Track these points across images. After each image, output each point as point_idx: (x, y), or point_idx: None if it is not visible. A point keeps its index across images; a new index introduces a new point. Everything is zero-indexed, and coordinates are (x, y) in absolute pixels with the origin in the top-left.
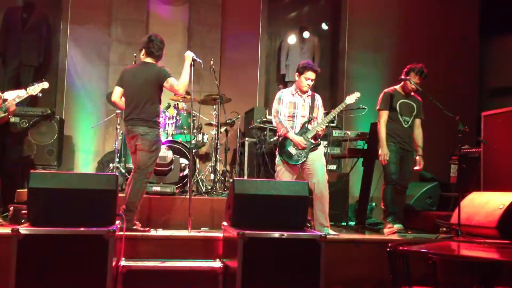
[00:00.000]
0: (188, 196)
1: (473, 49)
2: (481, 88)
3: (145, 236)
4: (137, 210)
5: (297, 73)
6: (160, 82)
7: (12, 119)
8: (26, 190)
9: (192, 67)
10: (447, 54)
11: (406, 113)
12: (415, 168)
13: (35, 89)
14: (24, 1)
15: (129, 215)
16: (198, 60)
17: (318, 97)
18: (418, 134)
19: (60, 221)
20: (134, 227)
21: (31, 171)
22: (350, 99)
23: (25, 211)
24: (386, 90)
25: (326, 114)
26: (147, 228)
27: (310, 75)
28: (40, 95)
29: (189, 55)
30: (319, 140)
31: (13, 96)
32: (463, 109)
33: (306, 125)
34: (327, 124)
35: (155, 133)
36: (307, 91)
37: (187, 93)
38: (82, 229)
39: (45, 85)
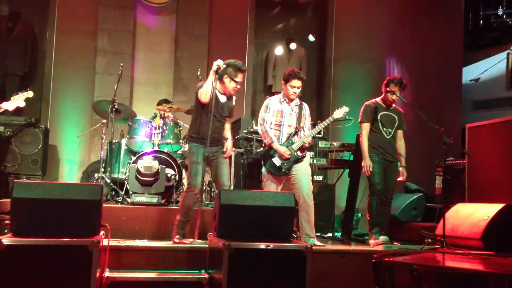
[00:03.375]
0: (173, 207)
1: (457, 62)
2: (465, 101)
3: (129, 247)
4: (184, 220)
5: (283, 81)
6: (196, 95)
7: None
8: (9, 200)
9: (216, 75)
10: (432, 66)
11: (388, 124)
12: (399, 179)
13: (19, 97)
14: (9, 10)
15: (179, 225)
16: (220, 65)
17: (305, 106)
18: (401, 145)
19: (43, 232)
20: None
21: (15, 180)
22: (338, 113)
23: (8, 221)
24: (367, 102)
25: (313, 125)
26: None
27: (296, 83)
28: (24, 104)
29: (214, 63)
30: (305, 151)
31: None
32: (448, 121)
33: (292, 136)
34: (313, 136)
35: (189, 146)
36: (294, 99)
37: (167, 101)
38: (66, 239)
39: (30, 94)
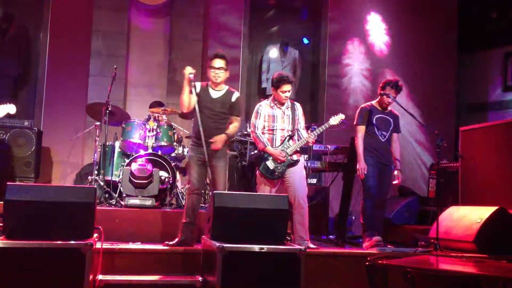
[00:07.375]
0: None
1: (451, 65)
2: (459, 104)
3: (123, 250)
4: (185, 221)
5: (272, 87)
6: None
7: None
8: (1, 202)
9: (190, 83)
10: (426, 69)
11: (383, 127)
12: (394, 182)
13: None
14: (3, 11)
15: (181, 228)
16: (191, 72)
17: (298, 106)
18: (396, 148)
19: (36, 234)
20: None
21: (8, 183)
22: (334, 120)
23: (1, 224)
24: (362, 105)
25: (306, 128)
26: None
27: (287, 87)
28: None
29: (185, 72)
30: (300, 154)
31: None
32: (441, 124)
33: (287, 141)
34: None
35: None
36: (285, 103)
37: (159, 103)
38: (59, 242)
39: (12, 109)
